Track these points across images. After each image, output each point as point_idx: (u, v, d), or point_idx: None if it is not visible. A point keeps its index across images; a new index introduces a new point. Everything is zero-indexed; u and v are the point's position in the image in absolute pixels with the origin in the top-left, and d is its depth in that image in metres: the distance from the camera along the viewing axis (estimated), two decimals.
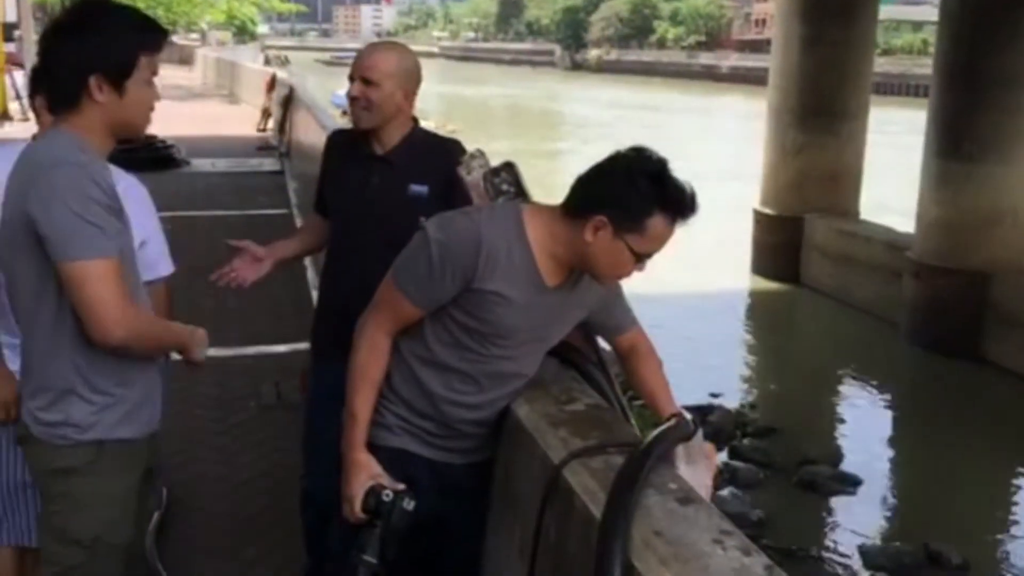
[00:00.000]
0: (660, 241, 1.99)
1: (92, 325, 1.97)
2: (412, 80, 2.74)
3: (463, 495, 2.24)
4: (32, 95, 2.52)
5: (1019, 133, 10.71)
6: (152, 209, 2.87)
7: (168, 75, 33.96)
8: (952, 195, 10.98)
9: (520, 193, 2.44)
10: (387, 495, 2.02)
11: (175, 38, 55.25)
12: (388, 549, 2.02)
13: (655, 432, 1.83)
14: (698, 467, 2.01)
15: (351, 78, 2.72)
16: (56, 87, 2.07)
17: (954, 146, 10.96)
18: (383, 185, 2.74)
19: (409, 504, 2.01)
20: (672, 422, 1.91)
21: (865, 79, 14.18)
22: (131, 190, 2.73)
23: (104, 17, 2.09)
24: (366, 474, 2.07)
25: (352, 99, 2.69)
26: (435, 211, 2.61)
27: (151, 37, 2.11)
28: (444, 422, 2.15)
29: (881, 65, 48.18)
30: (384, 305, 2.09)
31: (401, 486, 2.05)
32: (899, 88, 49.30)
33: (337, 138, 2.97)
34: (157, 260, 2.85)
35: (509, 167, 2.47)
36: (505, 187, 2.41)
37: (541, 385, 2.20)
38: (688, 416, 1.94)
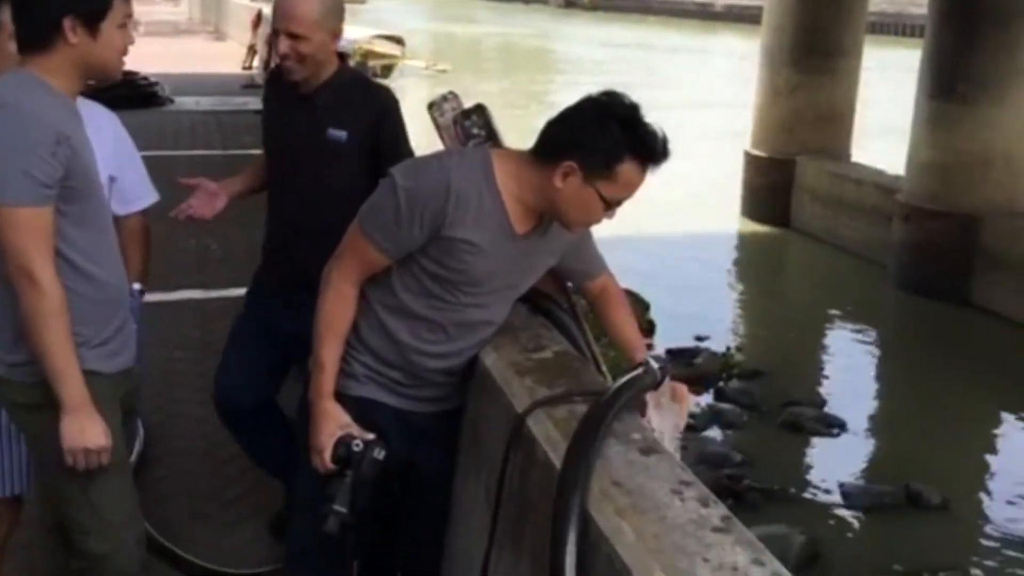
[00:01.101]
0: (631, 187, 1.95)
1: (6, 266, 2.00)
2: (337, 18, 2.63)
3: (432, 443, 2.22)
4: None
5: (1015, 73, 10.56)
6: (127, 142, 2.82)
7: (153, 11, 33.45)
8: (944, 137, 10.88)
9: (491, 137, 2.39)
10: (357, 445, 2.00)
11: None
12: (358, 499, 2.01)
13: (620, 381, 1.81)
14: (668, 410, 2.00)
15: (275, 31, 2.62)
16: (29, 28, 2.05)
17: (948, 87, 10.83)
18: (304, 127, 2.68)
19: (379, 453, 2.00)
20: (639, 370, 1.88)
21: (859, 17, 13.99)
22: (102, 123, 2.69)
23: None
24: (335, 424, 2.05)
25: (281, 56, 2.60)
26: (354, 157, 2.60)
27: None
28: (412, 371, 2.12)
29: (877, 4, 47.49)
30: (350, 253, 2.04)
31: (371, 435, 2.03)
32: (895, 28, 48.67)
33: (276, 73, 2.86)
34: (133, 194, 2.81)
35: (480, 110, 2.41)
36: (476, 131, 2.36)
37: (510, 332, 2.18)
38: (655, 364, 1.91)
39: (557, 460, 1.61)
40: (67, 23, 2.00)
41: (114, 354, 2.21)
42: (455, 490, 2.26)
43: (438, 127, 2.53)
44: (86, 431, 2.06)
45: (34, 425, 2.16)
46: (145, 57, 17.03)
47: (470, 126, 2.37)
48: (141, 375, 2.53)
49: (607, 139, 1.88)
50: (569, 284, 2.41)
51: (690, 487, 1.50)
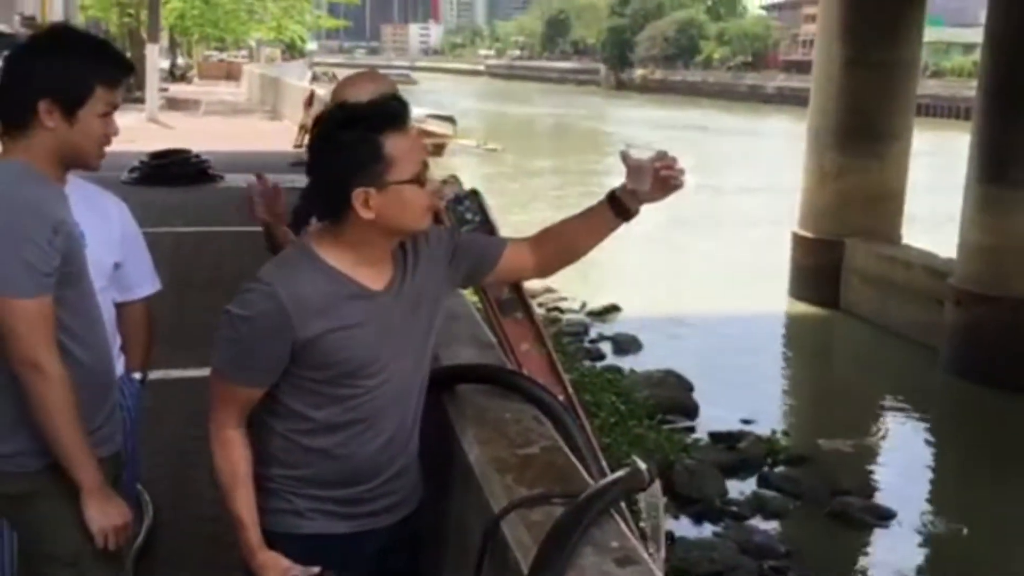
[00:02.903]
0: (414, 152, 1.88)
1: (10, 358, 1.99)
2: None
3: (397, 554, 2.09)
4: None
5: None
6: (134, 230, 2.80)
7: (215, 92, 34.54)
8: (995, 221, 10.72)
9: (485, 221, 2.32)
10: None
11: (224, 55, 56.18)
12: None
13: (599, 484, 1.69)
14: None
15: None
16: (9, 108, 2.05)
17: (998, 171, 10.69)
18: None
19: None
20: (622, 472, 1.75)
21: (909, 101, 13.92)
22: (110, 210, 2.68)
23: (66, 43, 2.09)
24: (277, 574, 1.93)
25: None
26: None
27: (111, 70, 2.09)
28: (360, 480, 1.99)
29: (931, 87, 47.45)
30: (219, 401, 1.94)
31: (315, 570, 1.90)
32: (948, 111, 48.56)
33: None
34: (135, 281, 2.79)
35: (474, 195, 2.35)
36: (469, 216, 2.29)
37: (499, 425, 2.06)
38: (642, 465, 1.77)
39: (527, 569, 1.49)
40: (43, 106, 1.99)
41: (105, 439, 2.18)
42: None
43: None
44: (108, 510, 2.07)
45: (27, 516, 2.12)
46: (201, 135, 17.60)
47: (463, 211, 2.31)
48: (127, 460, 2.48)
49: (360, 146, 1.83)
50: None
51: None
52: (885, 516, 7.96)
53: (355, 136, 1.83)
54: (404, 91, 2.64)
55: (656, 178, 1.97)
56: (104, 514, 2.06)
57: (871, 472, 9.08)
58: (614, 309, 13.76)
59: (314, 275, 1.88)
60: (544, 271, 2.21)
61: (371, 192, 1.82)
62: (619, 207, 2.04)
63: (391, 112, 1.86)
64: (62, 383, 1.98)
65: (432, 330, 2.05)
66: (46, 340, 1.96)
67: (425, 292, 2.01)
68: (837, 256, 13.68)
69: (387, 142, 1.83)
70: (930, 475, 9.28)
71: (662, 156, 1.96)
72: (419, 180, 1.86)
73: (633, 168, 1.95)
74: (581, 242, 2.14)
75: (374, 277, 1.93)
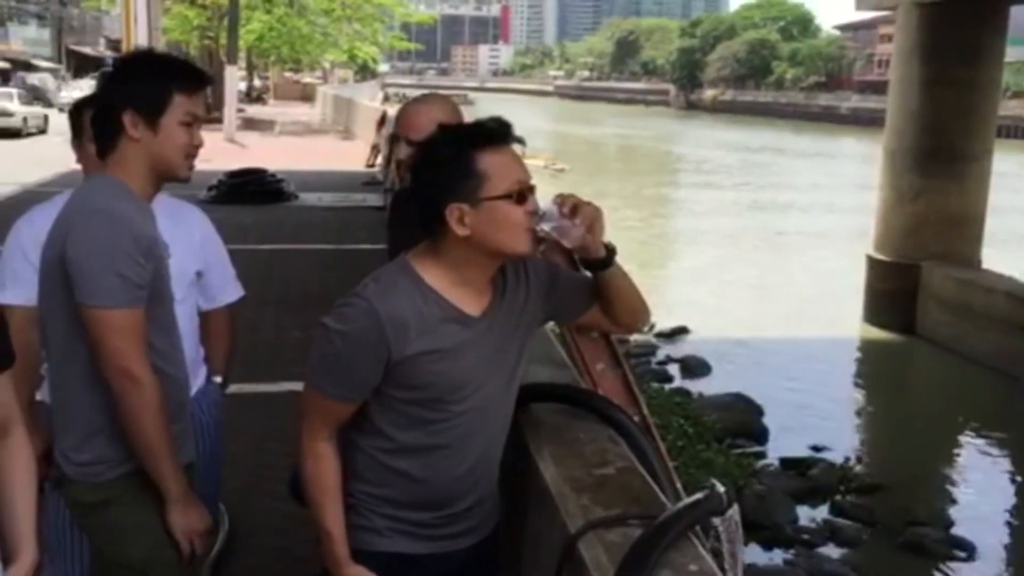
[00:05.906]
0: (512, 169, 1.84)
1: (104, 367, 2.03)
2: None
3: (472, 575, 2.07)
4: (74, 137, 2.58)
5: None
6: (215, 239, 2.86)
7: (290, 112, 35.21)
8: None
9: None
10: None
11: (299, 76, 57.36)
12: None
13: (677, 506, 1.67)
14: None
15: (395, 137, 2.66)
16: (97, 127, 2.13)
17: None
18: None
19: None
20: (700, 495, 1.72)
21: (989, 121, 13.61)
22: (192, 220, 2.74)
23: (144, 60, 2.20)
24: None
25: (399, 163, 2.62)
26: None
27: (187, 78, 2.15)
28: (440, 505, 1.98)
29: (1012, 108, 46.30)
30: (312, 414, 1.95)
31: None
32: None
33: (402, 193, 2.91)
34: (219, 289, 2.84)
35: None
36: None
37: (575, 444, 2.06)
38: (721, 488, 1.74)
39: None
40: (127, 118, 2.06)
41: (180, 449, 2.22)
42: None
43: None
44: (191, 516, 2.13)
45: (100, 523, 2.17)
46: (276, 155, 17.97)
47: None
48: (210, 464, 2.54)
49: (454, 162, 1.82)
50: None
51: None
52: (962, 548, 7.73)
53: (450, 152, 1.84)
54: (468, 112, 2.67)
55: (577, 221, 1.89)
56: (187, 520, 2.12)
57: (947, 503, 8.84)
58: (683, 331, 13.64)
59: (412, 295, 1.87)
60: (618, 325, 2.17)
61: (465, 208, 1.82)
62: (587, 265, 2.00)
63: (487, 130, 1.86)
64: (153, 392, 2.02)
65: (521, 360, 2.04)
66: (138, 350, 2.01)
67: (520, 322, 1.99)
68: (913, 280, 13.39)
69: (481, 158, 1.82)
70: (1010, 507, 8.99)
71: (561, 203, 1.89)
72: (515, 196, 1.83)
73: (559, 231, 1.87)
74: (609, 301, 2.08)
75: (472, 301, 1.91)
